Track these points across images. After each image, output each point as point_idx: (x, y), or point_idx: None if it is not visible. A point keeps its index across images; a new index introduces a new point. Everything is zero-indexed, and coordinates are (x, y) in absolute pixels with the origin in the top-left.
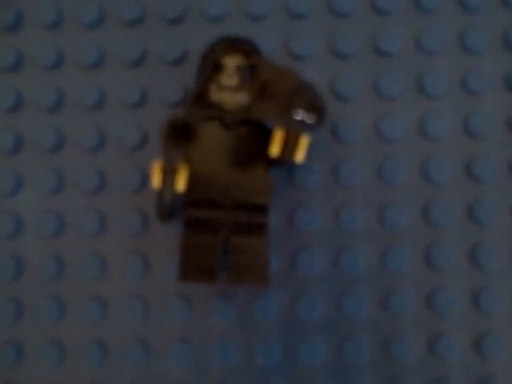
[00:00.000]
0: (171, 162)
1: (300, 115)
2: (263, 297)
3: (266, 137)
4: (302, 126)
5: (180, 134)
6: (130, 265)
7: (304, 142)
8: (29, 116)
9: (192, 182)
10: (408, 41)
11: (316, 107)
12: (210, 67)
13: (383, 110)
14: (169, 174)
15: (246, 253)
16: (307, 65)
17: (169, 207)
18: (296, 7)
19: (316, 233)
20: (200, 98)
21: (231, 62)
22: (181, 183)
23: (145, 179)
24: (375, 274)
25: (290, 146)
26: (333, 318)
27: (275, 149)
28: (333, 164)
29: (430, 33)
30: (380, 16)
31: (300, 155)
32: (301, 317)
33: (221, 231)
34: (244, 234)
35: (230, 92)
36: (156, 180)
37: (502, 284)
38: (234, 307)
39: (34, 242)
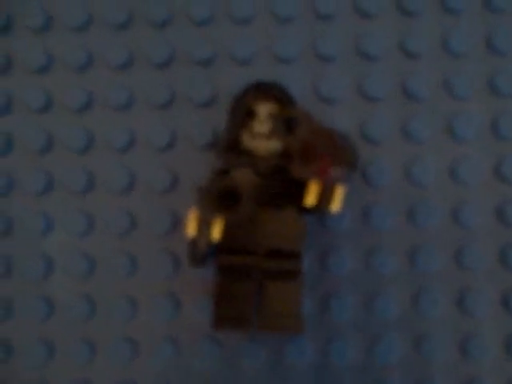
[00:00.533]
0: (206, 216)
1: (338, 172)
2: (295, 342)
3: (298, 183)
4: (339, 180)
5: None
6: (160, 307)
7: (340, 192)
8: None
9: (226, 228)
10: (438, 83)
11: (352, 162)
12: (243, 114)
13: (413, 153)
14: (204, 225)
15: (280, 300)
16: (336, 107)
17: (203, 255)
18: (325, 49)
19: (347, 277)
20: (232, 145)
21: (264, 110)
22: (216, 233)
23: (175, 221)
24: (407, 319)
25: (325, 196)
26: (364, 364)
27: (311, 199)
28: (363, 208)
29: (458, 77)
30: (409, 58)
31: (336, 205)
32: (333, 363)
33: (254, 278)
34: (277, 280)
35: (262, 139)
36: (191, 229)
37: None
38: (266, 351)
39: (65, 282)
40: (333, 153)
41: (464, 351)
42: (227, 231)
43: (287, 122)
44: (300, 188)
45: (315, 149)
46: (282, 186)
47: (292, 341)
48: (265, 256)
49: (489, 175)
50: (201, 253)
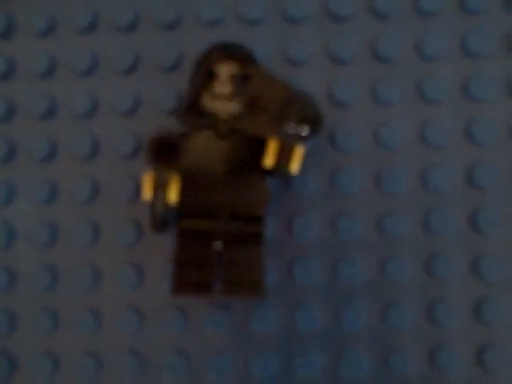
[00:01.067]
0: (161, 176)
1: (293, 128)
2: (260, 308)
3: (261, 145)
4: (296, 139)
5: (166, 151)
6: (124, 276)
7: (299, 153)
8: (21, 124)
9: (185, 192)
10: (408, 45)
11: (309, 119)
12: (204, 75)
13: (382, 116)
14: (159, 187)
15: (241, 265)
16: (304, 70)
17: (161, 219)
18: (293, 11)
19: (313, 242)
20: (193, 106)
21: (225, 70)
22: (172, 196)
23: (139, 188)
24: (374, 285)
25: (284, 157)
26: (331, 330)
27: (269, 160)
28: (330, 172)
29: (431, 37)
30: (379, 20)
31: (295, 166)
32: (298, 329)
33: (215, 243)
34: (239, 245)
35: (222, 100)
36: (147, 192)
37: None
38: (231, 319)
39: (27, 252)
40: (286, 108)
41: (432, 317)
42: (187, 194)
43: (247, 84)
44: (262, 150)
45: (267, 101)
46: (243, 149)
47: (257, 308)
48: (226, 220)
49: (459, 138)
50: (159, 217)
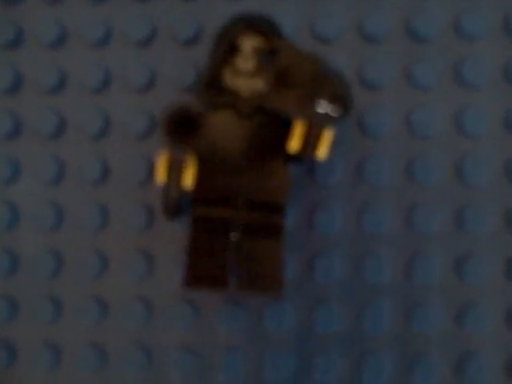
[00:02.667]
0: (176, 157)
1: (323, 107)
2: (276, 305)
3: (285, 128)
4: (326, 120)
5: (184, 126)
6: (132, 264)
7: (327, 136)
8: (28, 99)
9: (201, 176)
10: (446, 24)
11: (341, 98)
12: (225, 49)
13: (416, 100)
14: (174, 169)
15: (259, 258)
16: (333, 48)
17: (175, 204)
18: None
19: (337, 236)
20: (212, 83)
21: (248, 44)
22: (188, 179)
23: (151, 170)
24: (401, 284)
25: (311, 140)
26: (352, 332)
27: (295, 144)
28: (358, 160)
29: (471, 15)
30: None
31: (323, 151)
32: (317, 329)
33: (232, 233)
34: (257, 237)
35: (245, 77)
36: (161, 175)
37: None
38: (245, 315)
39: (31, 234)
40: (315, 85)
41: (461, 322)
42: (203, 179)
43: (273, 58)
44: (285, 134)
45: (296, 77)
46: (266, 131)
47: (273, 305)
48: (245, 209)
49: (498, 127)
50: (173, 202)
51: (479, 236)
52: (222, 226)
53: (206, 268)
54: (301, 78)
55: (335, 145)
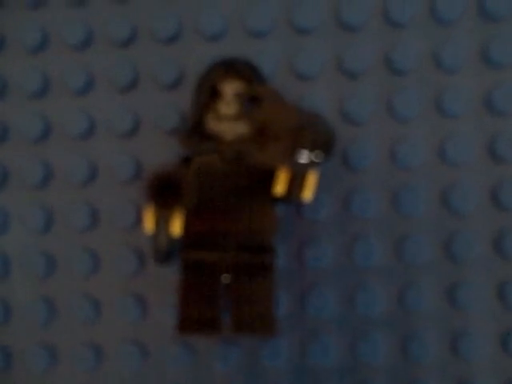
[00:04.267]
0: (162, 212)
1: (305, 157)
2: (271, 342)
3: (269, 170)
4: (308, 167)
5: (166, 192)
6: (125, 308)
7: (312, 180)
8: (13, 149)
9: (189, 221)
10: (425, 56)
11: (323, 143)
12: (207, 94)
13: (399, 132)
14: (162, 220)
15: (251, 299)
16: (314, 85)
17: (165, 251)
18: (301, 21)
19: (327, 271)
20: (196, 129)
21: (229, 89)
22: (176, 228)
23: (139, 214)
24: (394, 316)
25: (296, 185)
26: (347, 365)
27: (280, 189)
28: (344, 194)
29: (449, 46)
30: (394, 29)
31: (308, 194)
32: (312, 363)
33: (222, 275)
34: (248, 278)
35: (228, 122)
36: (149, 226)
37: None
38: (240, 354)
39: (23, 283)
40: (298, 136)
41: (455, 350)
42: (190, 224)
43: (256, 102)
44: (270, 176)
45: (276, 129)
46: (250, 174)
47: (268, 342)
48: (234, 251)
49: (483, 154)
50: (162, 249)
51: (469, 263)
52: (213, 268)
53: (198, 313)
54: (281, 129)
55: (321, 180)
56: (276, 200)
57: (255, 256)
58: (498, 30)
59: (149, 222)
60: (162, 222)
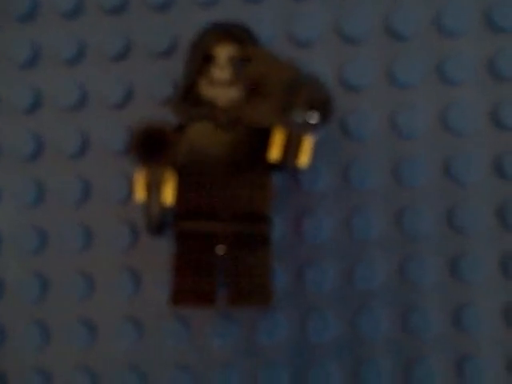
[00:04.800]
0: (153, 176)
1: (300, 115)
2: (268, 317)
3: (266, 136)
4: (304, 128)
5: (154, 147)
6: (119, 283)
7: (308, 144)
8: (4, 120)
9: (182, 190)
10: (427, 21)
11: (319, 105)
12: (200, 59)
13: (400, 100)
14: (153, 187)
15: (247, 271)
16: (312, 51)
17: (158, 221)
18: None
19: (326, 243)
20: (188, 95)
21: (223, 53)
22: (168, 195)
23: (132, 186)
24: (394, 289)
25: (291, 149)
26: (347, 340)
27: (275, 153)
28: (343, 164)
29: (451, 10)
30: None
31: (304, 159)
32: (311, 339)
33: (218, 246)
34: (244, 249)
35: (222, 87)
36: (140, 193)
37: None
38: (237, 329)
39: (15, 259)
40: (292, 93)
41: (458, 324)
42: (184, 193)
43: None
44: (266, 142)
45: (270, 86)
46: (245, 141)
47: (265, 317)
48: (229, 221)
49: (486, 123)
50: (155, 219)
51: (472, 234)
52: (207, 239)
53: (192, 284)
54: (275, 87)
55: (319, 150)
56: (272, 168)
57: (251, 226)
58: None
59: (140, 189)
60: (154, 189)
